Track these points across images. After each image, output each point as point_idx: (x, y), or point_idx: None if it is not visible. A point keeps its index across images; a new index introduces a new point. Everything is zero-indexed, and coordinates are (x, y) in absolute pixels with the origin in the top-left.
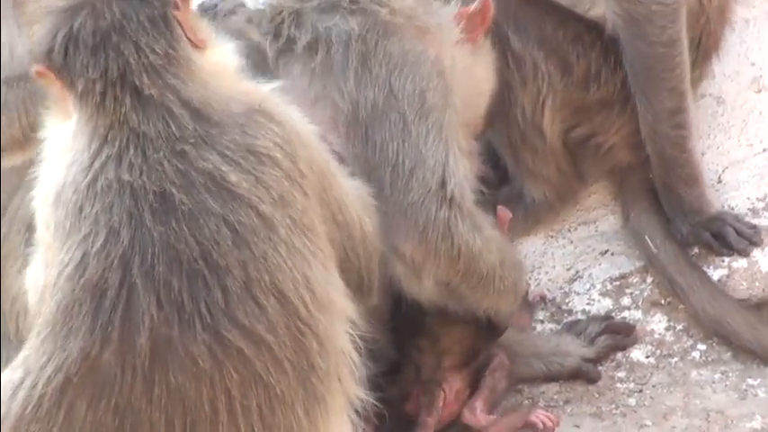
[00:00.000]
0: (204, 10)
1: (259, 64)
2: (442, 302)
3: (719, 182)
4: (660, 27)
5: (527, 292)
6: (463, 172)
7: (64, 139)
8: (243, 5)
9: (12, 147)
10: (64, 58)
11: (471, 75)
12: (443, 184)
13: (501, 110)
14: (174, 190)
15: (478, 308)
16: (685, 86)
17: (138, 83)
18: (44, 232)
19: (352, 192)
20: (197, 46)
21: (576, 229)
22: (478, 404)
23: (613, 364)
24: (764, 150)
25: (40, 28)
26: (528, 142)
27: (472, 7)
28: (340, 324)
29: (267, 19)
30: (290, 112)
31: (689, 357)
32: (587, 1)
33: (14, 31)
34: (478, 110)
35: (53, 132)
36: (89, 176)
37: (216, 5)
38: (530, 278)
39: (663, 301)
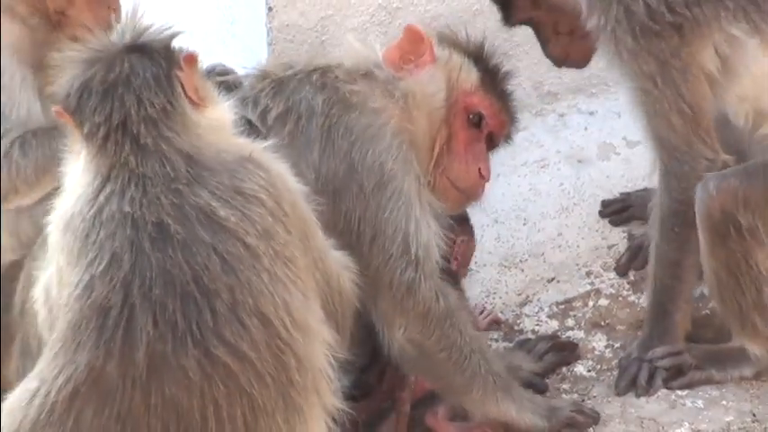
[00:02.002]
0: (209, 72)
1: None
2: (412, 367)
3: None
4: (682, 188)
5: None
6: (427, 234)
7: (75, 173)
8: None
9: (30, 189)
10: (77, 102)
11: (431, 99)
12: (407, 248)
13: None
14: (170, 221)
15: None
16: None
17: (135, 131)
18: (56, 255)
19: (332, 248)
20: (196, 103)
21: (526, 260)
22: (440, 410)
23: (559, 377)
24: None
25: (63, 75)
26: None
27: (398, 41)
28: (317, 345)
29: (251, 86)
30: (277, 164)
31: None
32: None
33: (30, 92)
34: (430, 125)
35: (69, 167)
36: (94, 208)
37: (227, 73)
38: (486, 302)
39: (602, 323)
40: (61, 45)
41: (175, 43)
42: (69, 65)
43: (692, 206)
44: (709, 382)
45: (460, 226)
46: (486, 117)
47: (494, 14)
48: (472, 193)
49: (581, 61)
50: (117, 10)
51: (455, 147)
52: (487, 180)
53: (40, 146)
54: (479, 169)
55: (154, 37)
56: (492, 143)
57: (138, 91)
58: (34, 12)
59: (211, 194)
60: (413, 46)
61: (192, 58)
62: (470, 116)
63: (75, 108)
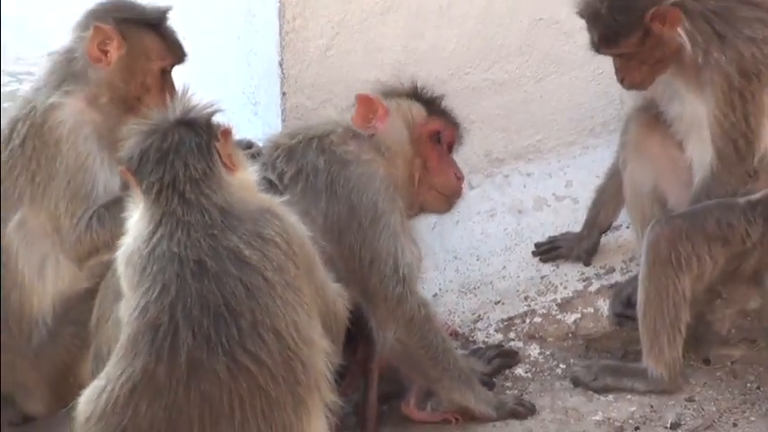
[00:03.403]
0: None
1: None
2: (400, 361)
3: None
4: (725, 193)
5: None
6: (410, 257)
7: (135, 219)
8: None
9: (107, 250)
10: (137, 165)
11: (399, 143)
12: (396, 268)
13: None
14: (206, 259)
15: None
16: None
17: (182, 188)
18: (122, 284)
19: (330, 280)
20: (229, 167)
21: (479, 287)
22: (411, 399)
23: (503, 377)
24: None
25: (127, 142)
26: None
27: (356, 109)
28: (318, 353)
29: (267, 153)
30: (290, 214)
31: (554, 373)
32: None
33: (107, 170)
34: (406, 159)
35: (131, 213)
36: (149, 247)
37: (251, 145)
38: (448, 320)
39: (536, 336)
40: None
41: (215, 119)
42: (132, 134)
43: None
44: (606, 389)
45: None
46: (442, 133)
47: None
48: (456, 193)
49: (647, 86)
50: (173, 94)
51: (431, 165)
52: (462, 179)
53: (112, 217)
54: (454, 173)
55: (198, 114)
56: (451, 149)
57: (185, 157)
58: (115, 99)
59: (239, 238)
60: (368, 108)
61: (227, 132)
62: (432, 138)
63: (137, 169)
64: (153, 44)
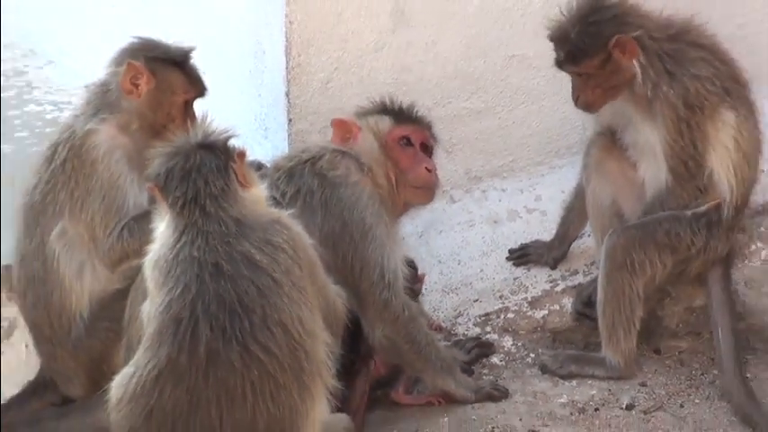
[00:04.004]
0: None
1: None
2: (388, 354)
3: None
4: (678, 205)
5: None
6: (394, 262)
7: (161, 229)
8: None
9: (136, 256)
10: (164, 182)
11: (372, 154)
12: (382, 275)
13: None
14: (223, 263)
15: (409, 368)
16: None
17: (203, 202)
18: (149, 285)
19: (330, 282)
20: (243, 185)
21: (459, 287)
22: (400, 387)
23: (481, 365)
24: None
25: (154, 162)
26: None
27: (333, 132)
28: (320, 344)
29: (270, 174)
30: (295, 225)
31: (525, 361)
32: None
33: (137, 188)
34: (381, 166)
35: (158, 224)
36: (173, 252)
37: (261, 167)
38: (433, 316)
39: (510, 330)
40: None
41: (231, 143)
42: (159, 155)
43: None
44: (570, 375)
45: None
46: (411, 136)
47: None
48: (430, 184)
49: (597, 108)
50: (195, 122)
51: (403, 166)
52: (432, 170)
53: (140, 228)
54: (425, 168)
55: (216, 138)
56: (428, 149)
57: (205, 176)
58: (144, 126)
59: (251, 245)
60: (343, 130)
61: (242, 154)
62: (401, 143)
63: (164, 186)
64: (178, 80)
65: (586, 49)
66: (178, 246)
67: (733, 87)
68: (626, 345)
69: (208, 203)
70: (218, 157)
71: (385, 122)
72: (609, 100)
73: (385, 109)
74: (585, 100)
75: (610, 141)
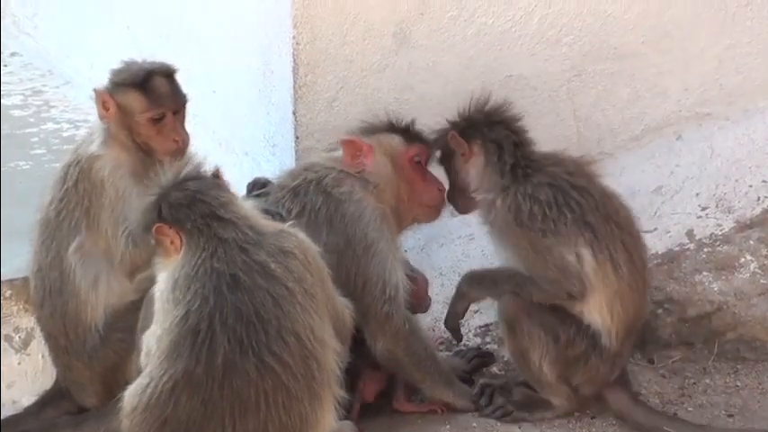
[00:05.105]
0: (255, 182)
1: None
2: (388, 366)
3: None
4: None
5: None
6: (396, 277)
7: (174, 261)
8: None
9: (145, 264)
10: (173, 215)
11: (386, 174)
12: (384, 289)
13: None
14: (240, 274)
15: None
16: None
17: (218, 212)
18: (162, 305)
19: (337, 293)
20: None
21: None
22: (399, 395)
23: (480, 374)
24: None
25: (148, 213)
26: None
27: (344, 153)
28: (330, 353)
29: (274, 193)
30: (301, 233)
31: None
32: None
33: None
34: (395, 186)
35: (161, 263)
36: (194, 268)
37: (267, 184)
38: (434, 327)
39: None
40: (154, 163)
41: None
42: (146, 206)
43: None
44: (524, 420)
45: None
46: (420, 155)
47: None
48: (441, 204)
49: (460, 211)
50: (180, 140)
51: (417, 185)
52: (444, 190)
53: (143, 240)
54: (437, 188)
55: (193, 167)
56: (427, 164)
57: (209, 193)
58: (132, 142)
59: (266, 253)
60: (354, 149)
61: (218, 172)
62: (413, 162)
63: (173, 219)
64: (136, 101)
65: (436, 142)
66: (199, 261)
67: (595, 221)
68: (557, 390)
69: (221, 209)
70: (210, 180)
71: (396, 141)
72: (469, 203)
73: (392, 127)
74: (448, 196)
75: None
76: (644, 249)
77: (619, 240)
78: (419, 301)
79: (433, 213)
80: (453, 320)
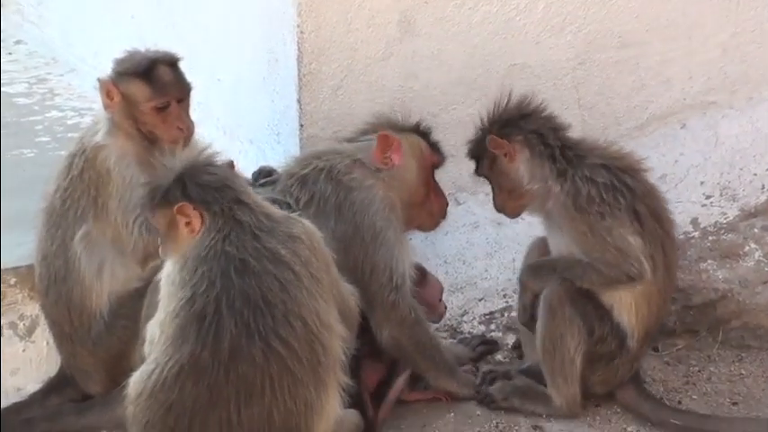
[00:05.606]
0: (261, 171)
1: None
2: (393, 354)
3: None
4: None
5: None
6: (403, 266)
7: (185, 244)
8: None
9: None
10: (201, 198)
11: (409, 175)
12: (391, 277)
13: None
14: (250, 259)
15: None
16: None
17: (240, 197)
18: (168, 288)
19: (343, 280)
20: None
21: (464, 287)
22: (399, 386)
23: (485, 362)
24: None
25: (155, 187)
26: None
27: (376, 146)
28: (336, 338)
29: (282, 181)
30: (306, 220)
31: None
32: None
33: None
34: (414, 189)
35: (168, 246)
36: (205, 250)
37: (272, 172)
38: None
39: (513, 327)
40: (160, 151)
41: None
42: (159, 184)
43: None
44: (514, 410)
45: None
46: (438, 164)
47: None
48: (445, 215)
49: (511, 215)
50: (185, 128)
51: (431, 193)
52: (448, 204)
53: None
54: (446, 200)
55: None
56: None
57: (233, 180)
58: (137, 131)
59: (276, 239)
60: (387, 145)
61: (232, 164)
62: (432, 169)
63: (201, 200)
64: (139, 90)
65: (475, 151)
66: (212, 242)
67: (644, 213)
68: (568, 390)
69: (243, 193)
70: (225, 167)
71: (423, 145)
72: (520, 204)
73: (418, 130)
74: (497, 204)
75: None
76: (678, 256)
77: (659, 241)
78: (432, 309)
79: (436, 224)
80: (523, 315)
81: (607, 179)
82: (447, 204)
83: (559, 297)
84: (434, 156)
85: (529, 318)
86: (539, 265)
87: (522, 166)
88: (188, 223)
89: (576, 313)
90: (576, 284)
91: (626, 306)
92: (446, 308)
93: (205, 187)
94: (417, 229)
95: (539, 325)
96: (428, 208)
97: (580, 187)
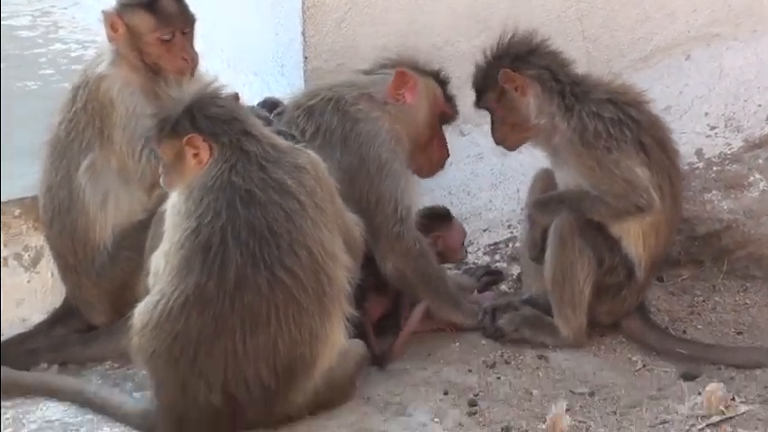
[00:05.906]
0: (266, 101)
1: None
2: (397, 285)
3: None
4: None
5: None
6: (408, 199)
7: (191, 175)
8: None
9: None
10: (210, 129)
11: (419, 116)
12: (396, 209)
13: None
14: (256, 189)
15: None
16: None
17: (247, 129)
18: (172, 219)
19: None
20: None
21: (469, 217)
22: (417, 315)
23: (491, 290)
24: None
25: (163, 117)
26: None
27: (393, 81)
28: (340, 268)
29: (288, 113)
30: (311, 152)
31: None
32: None
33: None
34: (420, 130)
35: (173, 176)
36: (211, 180)
37: (277, 104)
38: None
39: (517, 258)
40: (165, 82)
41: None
42: (166, 115)
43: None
44: (525, 341)
45: (438, 222)
46: (448, 114)
47: None
48: (443, 166)
49: (511, 147)
50: (189, 59)
51: (435, 140)
52: (448, 155)
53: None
54: (447, 151)
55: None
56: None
57: (240, 112)
58: (141, 62)
59: (283, 170)
60: (402, 83)
61: (237, 95)
62: (441, 117)
63: (211, 132)
64: (144, 21)
65: (482, 84)
66: (219, 172)
67: (650, 144)
68: (575, 320)
69: (251, 125)
70: (231, 101)
71: (438, 91)
72: (520, 138)
73: (437, 77)
74: (497, 137)
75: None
76: (683, 185)
77: (666, 171)
78: (453, 252)
79: (434, 171)
80: (533, 249)
81: (613, 113)
82: (448, 156)
83: (570, 227)
84: (447, 105)
85: (539, 252)
86: (547, 200)
87: (532, 100)
88: (196, 155)
89: (585, 244)
90: (585, 216)
91: (634, 237)
92: (467, 253)
93: (214, 119)
94: (413, 173)
95: (548, 255)
96: (429, 153)
97: (587, 123)
